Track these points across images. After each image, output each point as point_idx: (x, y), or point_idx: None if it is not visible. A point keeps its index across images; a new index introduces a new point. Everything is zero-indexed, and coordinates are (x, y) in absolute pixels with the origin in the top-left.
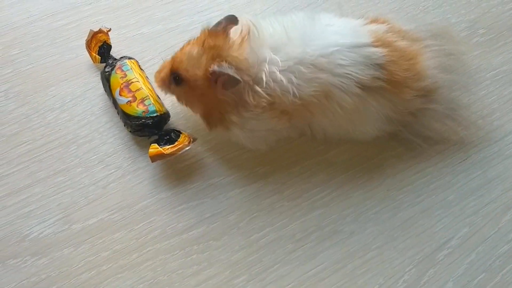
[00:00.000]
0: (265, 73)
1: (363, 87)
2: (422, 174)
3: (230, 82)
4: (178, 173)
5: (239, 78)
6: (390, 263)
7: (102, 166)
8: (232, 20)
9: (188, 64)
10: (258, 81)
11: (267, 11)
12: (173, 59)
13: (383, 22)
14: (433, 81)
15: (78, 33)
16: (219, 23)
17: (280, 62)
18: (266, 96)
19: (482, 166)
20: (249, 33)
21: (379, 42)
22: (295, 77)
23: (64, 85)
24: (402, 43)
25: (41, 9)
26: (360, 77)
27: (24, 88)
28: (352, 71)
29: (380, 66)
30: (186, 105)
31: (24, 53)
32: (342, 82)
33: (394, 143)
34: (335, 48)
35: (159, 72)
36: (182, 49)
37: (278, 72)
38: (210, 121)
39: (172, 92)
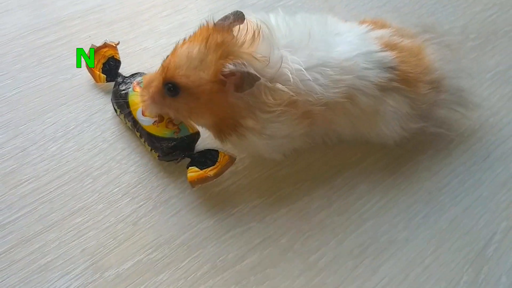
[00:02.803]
0: (290, 71)
1: (382, 88)
2: (455, 173)
3: (248, 82)
4: (216, 198)
5: (259, 76)
6: (448, 266)
7: (128, 199)
8: (240, 17)
9: (188, 68)
10: (278, 79)
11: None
12: (164, 67)
13: (382, 25)
14: (440, 72)
15: (70, 50)
16: (226, 18)
17: (301, 61)
18: (290, 92)
19: (503, 160)
20: (259, 31)
21: (388, 47)
22: (321, 76)
23: (64, 110)
24: (406, 42)
25: (18, 25)
26: (379, 80)
27: (13, 117)
28: (372, 74)
29: (393, 68)
30: (189, 117)
31: (7, 75)
32: (364, 85)
33: (424, 146)
34: (356, 53)
35: (145, 88)
36: (174, 52)
37: (304, 70)
38: (222, 131)
39: (168, 108)
